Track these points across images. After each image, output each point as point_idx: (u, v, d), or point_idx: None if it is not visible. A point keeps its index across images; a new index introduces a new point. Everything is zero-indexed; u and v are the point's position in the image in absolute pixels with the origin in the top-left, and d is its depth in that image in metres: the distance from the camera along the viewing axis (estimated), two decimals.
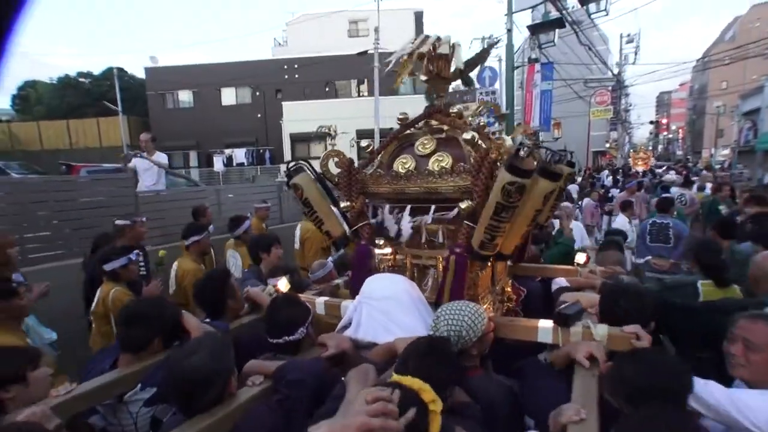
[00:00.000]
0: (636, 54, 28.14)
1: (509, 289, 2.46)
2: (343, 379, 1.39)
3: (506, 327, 1.87)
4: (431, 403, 1.05)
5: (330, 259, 3.44)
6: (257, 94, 23.85)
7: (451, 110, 2.18)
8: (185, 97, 24.74)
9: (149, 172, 6.10)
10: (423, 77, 2.18)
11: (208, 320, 2.09)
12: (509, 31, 9.00)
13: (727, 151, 35.41)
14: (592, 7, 9.42)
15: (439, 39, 2.08)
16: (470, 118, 2.40)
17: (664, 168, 24.27)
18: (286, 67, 23.25)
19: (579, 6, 9.72)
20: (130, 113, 23.33)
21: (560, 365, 1.69)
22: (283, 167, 22.35)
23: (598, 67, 20.20)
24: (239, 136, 23.14)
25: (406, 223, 2.10)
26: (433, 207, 2.03)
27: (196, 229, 3.78)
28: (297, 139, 21.44)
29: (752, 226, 3.73)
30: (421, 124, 2.26)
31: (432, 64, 2.15)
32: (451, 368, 1.36)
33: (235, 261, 4.08)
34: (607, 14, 9.62)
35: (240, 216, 4.40)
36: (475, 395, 1.47)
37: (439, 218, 2.05)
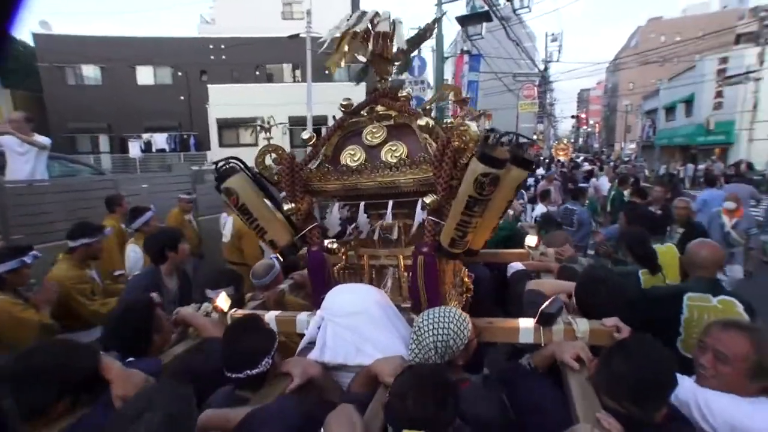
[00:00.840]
0: (559, 52, 30.26)
1: (467, 279, 2.36)
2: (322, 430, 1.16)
3: (486, 330, 1.74)
4: None
5: (273, 256, 3.07)
6: (179, 74, 22.06)
7: (399, 94, 2.00)
8: (91, 72, 22.17)
9: (24, 157, 4.83)
10: (362, 58, 1.97)
11: (132, 359, 1.67)
12: (438, 20, 9.19)
13: (633, 146, 39.74)
14: (517, 3, 9.93)
15: (377, 15, 1.89)
16: (428, 106, 2.25)
17: (581, 159, 26.47)
18: (212, 46, 21.73)
19: (506, 1, 10.16)
20: (17, 87, 20.27)
21: (544, 367, 1.62)
22: (210, 154, 20.87)
23: (526, 63, 21.47)
24: (159, 119, 21.32)
25: (364, 221, 1.94)
26: (390, 202, 1.86)
27: (90, 230, 3.10)
28: (224, 124, 20.19)
29: (627, 212, 4.26)
30: (364, 111, 2.04)
31: (372, 43, 1.94)
32: (455, 400, 1.16)
33: (135, 256, 3.70)
34: (529, 10, 10.21)
35: (141, 207, 4.00)
36: (463, 413, 1.24)
37: (395, 214, 1.91)
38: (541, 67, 28.13)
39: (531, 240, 2.78)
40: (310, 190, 1.95)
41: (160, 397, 1.08)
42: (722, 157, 23.51)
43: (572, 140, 68.48)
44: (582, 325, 1.66)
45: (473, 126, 1.71)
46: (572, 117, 42.84)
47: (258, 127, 2.06)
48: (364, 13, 1.89)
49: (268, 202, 1.98)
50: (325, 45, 1.90)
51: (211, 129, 20.31)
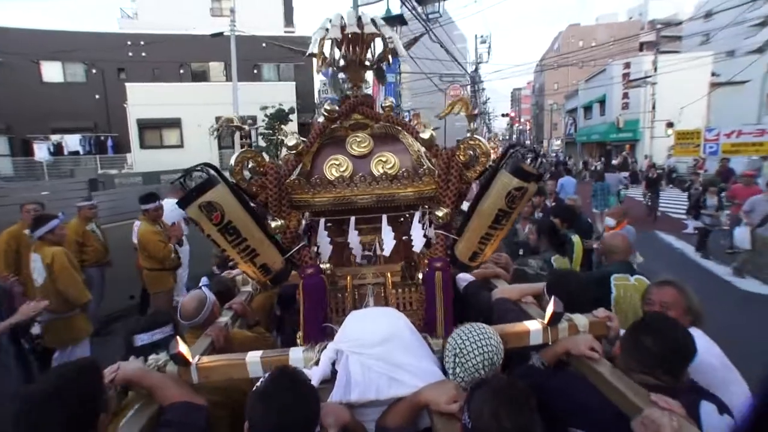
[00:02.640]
0: (489, 53, 32.14)
1: None
2: None
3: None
4: None
5: (203, 281, 2.59)
6: (93, 71, 20.74)
7: (383, 103, 1.95)
8: None
9: None
10: (341, 63, 1.92)
11: None
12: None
13: (559, 142, 43.18)
14: (429, 8, 10.71)
15: (360, 19, 1.82)
16: (424, 120, 2.22)
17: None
18: (130, 43, 20.63)
19: (420, 6, 10.89)
20: None
21: (553, 363, 1.67)
22: (130, 156, 19.85)
23: (460, 63, 22.68)
24: (71, 119, 19.94)
25: (356, 238, 1.82)
26: (385, 217, 1.77)
27: None
28: (146, 125, 19.33)
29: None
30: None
31: (351, 49, 1.86)
32: (536, 409, 1.13)
33: (38, 265, 3.76)
34: (440, 16, 10.99)
35: (47, 215, 3.99)
36: None
37: (371, 230, 1.85)
38: (472, 67, 29.75)
39: None
40: (294, 204, 1.77)
41: None
42: (632, 152, 26.40)
43: (507, 137, 72.61)
44: (581, 320, 1.74)
45: (484, 140, 1.73)
46: (503, 115, 45.65)
47: (232, 127, 1.80)
48: (348, 16, 1.83)
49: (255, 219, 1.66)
50: (311, 48, 1.81)
51: (131, 130, 19.37)
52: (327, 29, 1.78)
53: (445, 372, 1.51)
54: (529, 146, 1.80)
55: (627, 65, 26.33)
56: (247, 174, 1.74)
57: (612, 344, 1.71)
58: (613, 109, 27.33)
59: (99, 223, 5.56)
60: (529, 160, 1.60)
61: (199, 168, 1.56)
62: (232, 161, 1.71)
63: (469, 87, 28.40)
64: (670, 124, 22.80)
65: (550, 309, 1.69)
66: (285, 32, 23.42)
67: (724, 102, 24.56)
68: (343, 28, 1.77)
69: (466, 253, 1.73)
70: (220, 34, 15.09)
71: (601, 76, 29.08)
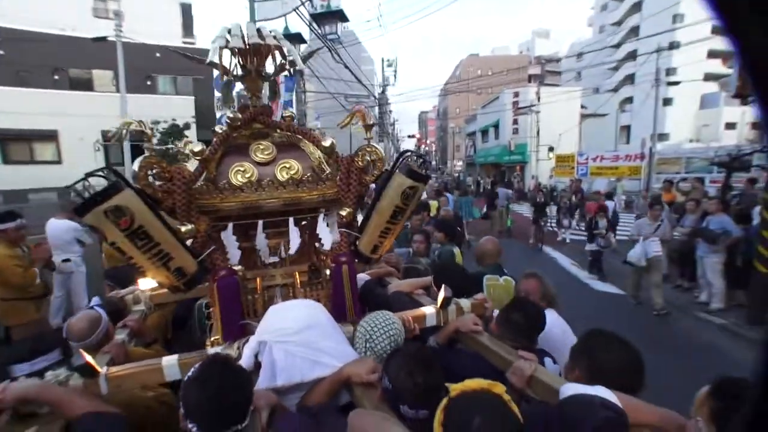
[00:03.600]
0: (395, 77, 33.80)
1: None
2: None
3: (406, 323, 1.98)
4: (503, 394, 1.11)
5: (94, 301, 2.58)
6: None
7: (284, 113, 2.10)
8: None
9: None
10: (238, 73, 1.99)
11: None
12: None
13: (461, 163, 46.60)
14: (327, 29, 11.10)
15: (259, 31, 1.93)
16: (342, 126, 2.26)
17: None
18: None
19: (318, 28, 11.21)
20: None
21: (445, 342, 2.01)
22: None
23: (363, 84, 23.45)
24: None
25: (263, 241, 1.94)
26: (291, 220, 1.94)
27: None
28: (10, 137, 16.68)
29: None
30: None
31: (250, 60, 1.95)
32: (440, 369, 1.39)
33: None
34: (338, 37, 11.45)
35: None
36: None
37: (277, 233, 1.98)
38: (379, 89, 30.97)
39: None
40: (202, 209, 1.81)
41: None
42: (521, 172, 29.48)
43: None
44: (465, 303, 2.12)
45: (380, 148, 1.97)
46: (410, 137, 48.23)
47: (135, 130, 1.75)
48: (245, 26, 1.94)
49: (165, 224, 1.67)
50: (210, 57, 1.86)
51: None
52: (227, 39, 1.87)
53: None
54: (418, 152, 2.12)
55: (516, 94, 29.71)
56: (150, 180, 1.76)
57: (487, 323, 2.11)
58: (506, 134, 30.50)
59: None
60: (418, 164, 1.87)
61: (100, 172, 1.52)
62: (136, 166, 1.71)
63: (376, 108, 29.52)
64: (551, 149, 26.06)
65: (441, 295, 2.02)
66: (184, 42, 22.19)
67: (592, 131, 29.00)
68: (244, 38, 1.87)
69: (368, 247, 1.95)
70: (104, 38, 13.79)
71: (496, 103, 32.38)
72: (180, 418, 1.24)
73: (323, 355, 1.61)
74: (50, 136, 17.09)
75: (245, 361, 1.60)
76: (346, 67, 15.06)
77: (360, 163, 1.92)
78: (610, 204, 10.91)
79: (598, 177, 19.35)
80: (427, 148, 69.61)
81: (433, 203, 8.86)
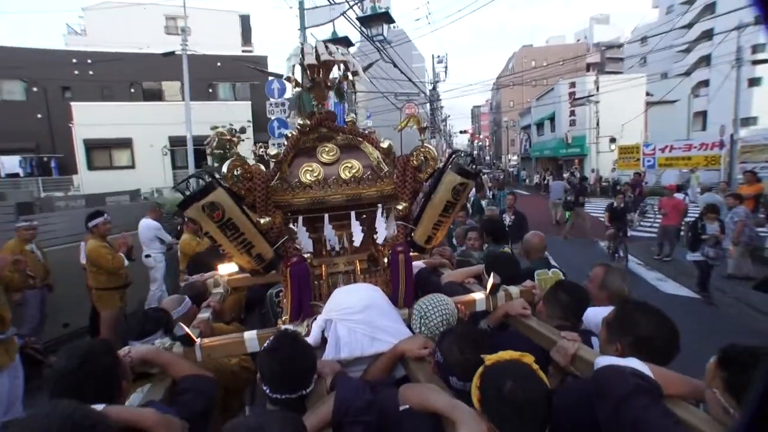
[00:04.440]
0: (446, 73, 33.32)
1: None
2: (406, 407, 1.36)
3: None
4: (532, 364, 1.22)
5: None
6: (35, 89, 19.87)
7: (346, 119, 2.33)
8: None
9: None
10: (307, 85, 2.25)
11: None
12: (302, 45, 9.88)
13: (516, 157, 44.97)
14: (374, 31, 11.08)
15: (327, 48, 2.18)
16: (398, 130, 2.54)
17: None
18: (76, 61, 20.02)
19: (364, 30, 11.24)
20: None
21: (496, 325, 2.15)
22: (77, 178, 18.98)
23: (413, 82, 23.39)
24: (9, 140, 18.91)
25: (331, 232, 2.17)
26: (353, 213, 2.10)
27: None
28: (94, 145, 18.69)
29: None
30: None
31: (316, 73, 2.21)
32: (489, 346, 1.51)
33: None
34: (384, 39, 11.38)
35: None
36: None
37: (340, 225, 2.17)
38: (429, 86, 30.67)
39: None
40: (277, 205, 2.07)
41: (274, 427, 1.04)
42: (580, 166, 27.89)
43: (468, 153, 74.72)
44: (514, 289, 2.24)
45: (433, 148, 2.14)
46: (461, 132, 47.24)
47: (223, 138, 2.15)
48: (316, 44, 2.19)
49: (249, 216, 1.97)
50: (286, 73, 2.18)
51: (78, 151, 18.63)
52: (301, 56, 2.13)
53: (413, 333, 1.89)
54: (467, 151, 2.31)
55: (572, 85, 28.13)
56: (236, 179, 2.03)
57: (536, 309, 2.19)
58: (562, 126, 29.01)
59: (41, 245, 5.45)
60: (467, 162, 2.06)
61: (202, 175, 1.86)
62: (225, 168, 1.99)
63: (428, 105, 29.25)
64: (613, 140, 24.41)
65: (490, 282, 2.19)
66: (243, 51, 23.45)
67: (659, 119, 26.70)
68: (318, 56, 2.12)
69: (422, 238, 2.14)
70: (172, 53, 14.88)
71: (551, 95, 30.90)
72: (258, 381, 1.49)
73: (381, 333, 1.80)
74: (126, 144, 18.79)
75: (313, 336, 1.83)
76: (396, 66, 15.07)
77: (415, 162, 2.10)
78: (679, 196, 9.96)
79: (667, 168, 17.78)
80: (480, 143, 68.08)
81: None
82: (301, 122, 2.21)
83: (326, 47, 2.17)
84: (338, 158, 2.15)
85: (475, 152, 72.56)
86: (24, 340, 4.01)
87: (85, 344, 1.50)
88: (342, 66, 2.23)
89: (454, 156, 2.06)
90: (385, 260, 2.16)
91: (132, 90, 20.69)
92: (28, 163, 19.21)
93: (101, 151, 18.82)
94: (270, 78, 9.35)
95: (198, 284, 2.82)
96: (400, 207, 2.08)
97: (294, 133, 2.19)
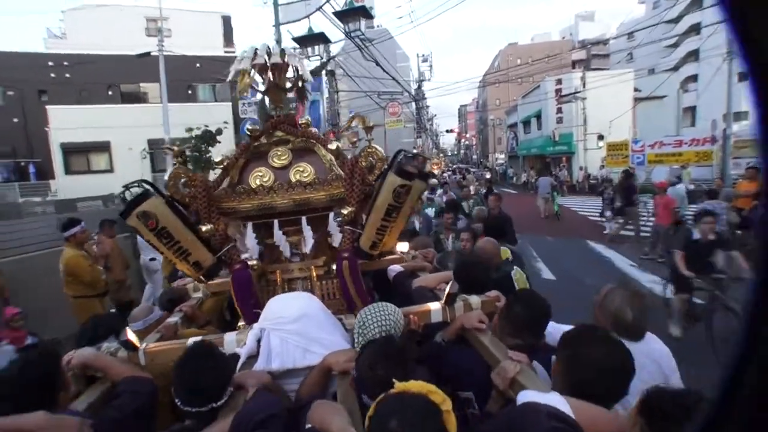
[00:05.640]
0: (431, 71, 32.89)
1: None
2: (309, 426, 1.27)
3: (405, 317, 1.96)
4: (442, 404, 1.05)
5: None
6: (10, 93, 19.14)
7: (300, 121, 2.25)
8: None
9: None
10: (261, 87, 2.24)
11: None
12: (278, 41, 9.38)
13: (503, 156, 44.61)
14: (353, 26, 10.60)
15: (275, 50, 2.15)
16: (343, 131, 2.57)
17: (450, 171, 28.97)
18: (51, 63, 19.43)
19: (344, 26, 10.73)
20: None
21: (452, 338, 1.95)
22: (54, 183, 18.32)
23: (397, 81, 22.88)
24: None
25: (282, 238, 2.10)
26: (304, 218, 2.06)
27: None
28: (71, 150, 18.05)
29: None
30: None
31: (270, 75, 2.16)
32: (411, 363, 1.42)
33: None
34: (363, 34, 10.89)
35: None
36: None
37: (295, 231, 2.13)
38: (415, 85, 30.20)
39: (403, 247, 3.21)
40: (222, 211, 2.04)
41: None
42: (568, 164, 27.55)
43: (455, 152, 74.41)
44: (474, 299, 2.04)
45: (380, 149, 2.07)
46: (447, 131, 46.90)
47: (168, 148, 2.20)
48: (262, 47, 2.13)
49: (186, 225, 1.98)
50: (231, 75, 2.13)
51: (55, 155, 17.99)
52: (250, 58, 2.10)
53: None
54: (414, 152, 2.19)
55: (559, 81, 27.84)
56: (182, 188, 2.04)
57: None
58: (549, 124, 28.73)
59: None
60: (416, 163, 2.03)
61: (136, 184, 1.89)
62: (166, 177, 2.02)
63: (413, 104, 28.78)
64: (600, 137, 24.16)
65: (446, 290, 2.02)
66: (225, 52, 22.77)
67: (647, 115, 26.39)
68: (262, 58, 2.09)
69: (367, 243, 2.05)
70: (148, 54, 14.29)
71: (537, 92, 30.61)
72: (172, 392, 1.47)
73: (315, 345, 1.73)
74: (104, 148, 18.14)
75: (248, 345, 1.78)
76: (378, 64, 14.55)
77: (363, 163, 2.03)
78: (679, 188, 9.44)
79: (657, 165, 17.36)
80: (467, 142, 67.80)
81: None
82: (250, 127, 2.24)
83: (282, 50, 2.15)
84: (290, 162, 2.11)
85: (462, 151, 72.33)
86: None
87: (27, 353, 1.60)
88: (294, 69, 2.22)
89: (397, 156, 1.94)
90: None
91: (110, 92, 20.07)
92: (6, 168, 18.56)
93: (78, 155, 18.18)
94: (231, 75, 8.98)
95: (178, 289, 2.88)
96: (344, 211, 2.01)
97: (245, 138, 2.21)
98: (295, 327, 1.74)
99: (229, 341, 1.86)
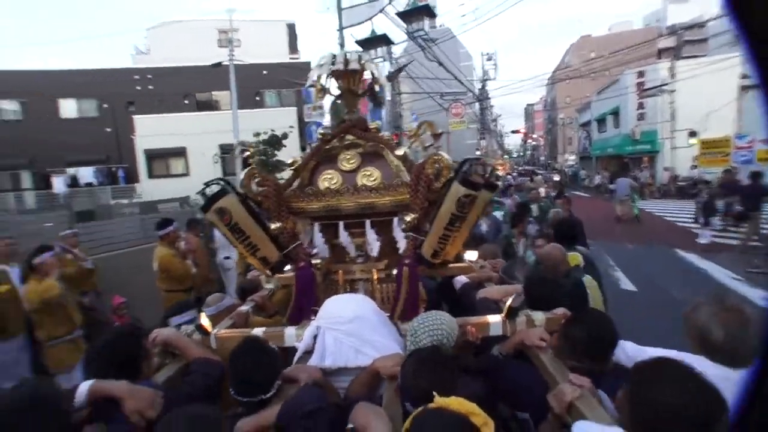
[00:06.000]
0: (495, 70, 31.64)
1: (422, 290, 2.67)
2: (350, 426, 1.31)
3: (462, 327, 1.93)
4: (484, 426, 1.03)
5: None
6: (104, 106, 21.39)
7: (370, 125, 2.28)
8: (10, 107, 21.17)
9: None
10: (336, 92, 2.28)
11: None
12: (341, 45, 9.34)
13: (574, 157, 41.73)
14: (415, 26, 10.25)
15: (351, 55, 2.20)
16: (413, 138, 2.50)
17: (515, 173, 27.56)
18: (137, 77, 21.44)
19: (407, 26, 10.44)
20: None
21: (511, 353, 1.89)
22: (138, 186, 20.20)
23: (460, 81, 22.21)
24: (85, 153, 20.68)
25: (347, 239, 2.16)
26: (368, 222, 2.11)
27: None
28: (153, 155, 19.85)
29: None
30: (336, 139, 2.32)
31: (344, 80, 2.22)
32: (457, 374, 1.40)
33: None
34: (426, 34, 10.50)
35: (45, 246, 4.22)
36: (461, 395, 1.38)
37: (361, 233, 2.16)
38: (479, 85, 29.23)
39: (471, 255, 3.19)
40: (292, 211, 2.14)
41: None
42: (651, 164, 24.99)
43: (521, 153, 71.21)
44: (538, 315, 1.97)
45: (446, 156, 2.04)
46: (513, 132, 44.82)
47: (243, 150, 2.35)
48: (340, 54, 2.19)
49: (257, 222, 2.10)
50: (308, 82, 2.22)
51: (139, 160, 19.74)
52: (326, 65, 2.16)
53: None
54: (481, 160, 2.17)
55: (641, 74, 25.29)
56: (255, 187, 2.16)
57: None
58: (628, 121, 26.26)
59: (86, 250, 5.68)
60: (482, 172, 1.95)
61: (215, 182, 2.06)
62: (242, 176, 2.16)
63: (477, 104, 27.84)
64: (692, 133, 21.55)
65: (507, 304, 1.95)
66: (290, 59, 23.67)
67: (753, 107, 22.89)
68: (343, 64, 2.13)
69: (428, 251, 2.02)
70: (219, 64, 15.15)
71: (614, 87, 28.20)
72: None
73: (367, 346, 1.75)
74: (181, 153, 19.60)
75: (304, 341, 1.86)
76: (441, 64, 14.13)
77: (430, 170, 1.99)
78: None
79: None
80: (533, 143, 64.55)
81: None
82: (322, 131, 2.31)
83: (359, 56, 2.20)
84: (358, 166, 2.16)
85: (528, 152, 69.01)
86: None
87: (115, 329, 1.97)
88: (371, 75, 2.28)
89: (463, 164, 1.90)
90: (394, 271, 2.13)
91: (186, 101, 21.61)
92: (100, 173, 20.73)
93: (159, 160, 19.88)
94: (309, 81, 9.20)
95: (251, 280, 3.08)
96: (407, 218, 2.00)
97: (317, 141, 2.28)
98: (348, 328, 1.78)
99: (289, 335, 1.97)
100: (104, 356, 1.63)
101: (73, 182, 19.93)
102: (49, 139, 20.13)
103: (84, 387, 1.42)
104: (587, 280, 2.90)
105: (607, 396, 1.46)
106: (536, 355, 1.77)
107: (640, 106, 25.47)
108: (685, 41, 38.14)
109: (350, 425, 1.30)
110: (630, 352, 1.71)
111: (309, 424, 1.36)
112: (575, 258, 3.33)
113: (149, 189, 18.73)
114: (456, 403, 1.06)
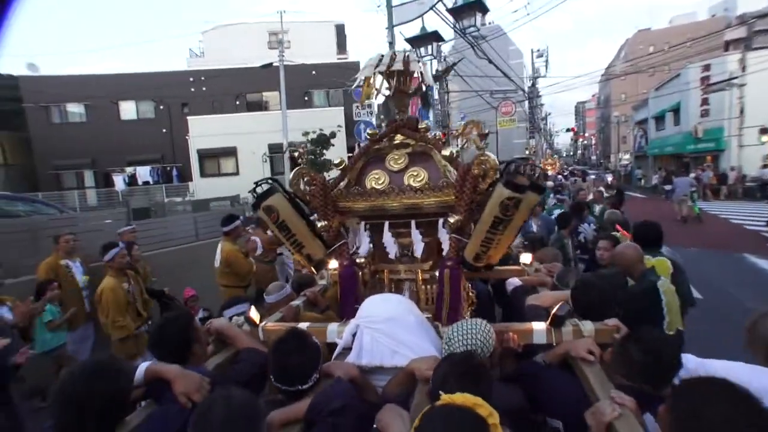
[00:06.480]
0: (546, 67, 30.73)
1: (471, 293, 2.61)
2: (375, 427, 1.35)
3: (504, 333, 1.91)
4: (489, 417, 1.06)
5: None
6: (161, 107, 22.67)
7: (419, 125, 2.29)
8: (75, 110, 22.85)
9: None
10: (385, 92, 2.31)
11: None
12: (391, 44, 9.43)
13: (628, 156, 39.74)
14: (466, 23, 10.14)
15: (397, 54, 2.23)
16: (460, 138, 2.53)
17: (566, 173, 26.58)
18: (192, 79, 22.52)
19: (455, 23, 10.36)
20: (3, 129, 20.88)
21: (556, 363, 1.83)
22: (192, 185, 21.18)
23: (510, 78, 21.81)
24: (142, 152, 21.98)
25: (390, 239, 2.18)
26: (413, 222, 2.13)
27: None
28: (205, 155, 20.84)
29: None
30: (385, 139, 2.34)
31: (394, 80, 2.25)
32: (489, 382, 1.40)
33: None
34: (478, 30, 10.36)
35: (111, 243, 4.45)
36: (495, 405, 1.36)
37: (406, 233, 2.17)
38: (529, 83, 28.53)
39: (525, 258, 3.13)
40: (338, 210, 2.18)
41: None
42: (714, 163, 23.45)
43: (571, 153, 68.65)
44: (587, 325, 1.88)
45: (493, 156, 2.00)
46: (567, 130, 43.20)
47: (293, 151, 2.59)
48: (392, 53, 2.24)
49: (304, 220, 2.18)
50: (357, 82, 2.28)
51: (192, 160, 20.75)
52: (377, 65, 2.19)
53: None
54: (529, 160, 2.02)
55: (706, 68, 23.75)
56: (304, 186, 2.23)
57: None
58: (690, 118, 24.71)
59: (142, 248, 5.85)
60: (529, 173, 1.85)
61: (265, 181, 2.14)
62: (291, 176, 2.23)
63: (526, 103, 27.20)
64: (764, 130, 19.98)
65: (553, 311, 1.90)
66: (338, 59, 24.10)
67: None
68: (388, 65, 2.17)
69: (470, 254, 1.99)
70: (270, 64, 15.68)
71: (675, 82, 26.61)
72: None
73: (403, 347, 1.76)
74: (231, 152, 20.43)
75: (344, 339, 1.91)
76: (491, 62, 13.93)
77: (476, 170, 1.95)
78: None
79: None
80: (585, 142, 62.08)
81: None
82: (370, 132, 2.35)
83: (406, 56, 2.22)
84: (406, 166, 2.17)
85: (580, 151, 66.44)
86: None
87: (169, 314, 2.04)
88: (420, 75, 2.27)
89: (508, 165, 1.86)
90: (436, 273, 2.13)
91: (237, 102, 22.48)
92: (155, 172, 21.97)
93: (211, 159, 20.80)
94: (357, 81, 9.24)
95: (306, 275, 3.14)
96: (451, 220, 1.98)
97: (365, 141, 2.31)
98: (384, 327, 1.81)
99: (331, 331, 2.01)
100: (155, 341, 1.80)
101: (132, 181, 21.25)
102: (111, 139, 21.51)
103: (142, 367, 1.55)
104: (663, 284, 2.71)
105: (653, 419, 1.35)
106: (580, 368, 1.71)
107: (704, 102, 23.88)
108: (755, 32, 35.36)
109: (375, 425, 1.34)
110: (691, 366, 1.59)
111: (337, 421, 1.40)
112: (663, 264, 3.08)
113: (202, 187, 19.65)
114: (461, 398, 1.10)
